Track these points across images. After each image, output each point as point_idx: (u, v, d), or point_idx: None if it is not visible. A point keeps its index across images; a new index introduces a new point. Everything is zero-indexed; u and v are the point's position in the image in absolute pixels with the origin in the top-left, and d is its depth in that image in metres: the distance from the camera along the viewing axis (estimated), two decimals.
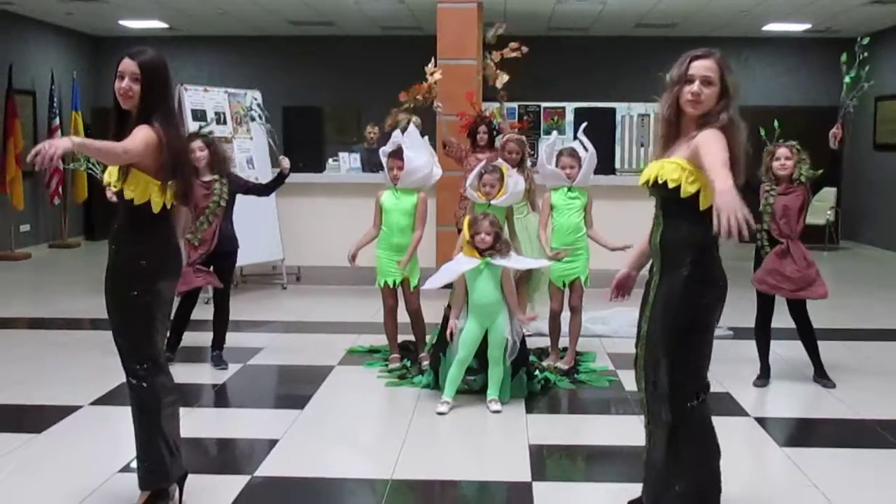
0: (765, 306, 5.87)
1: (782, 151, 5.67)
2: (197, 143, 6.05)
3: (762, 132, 5.83)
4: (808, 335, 5.88)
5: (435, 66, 8.44)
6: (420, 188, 6.11)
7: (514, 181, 6.01)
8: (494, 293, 5.29)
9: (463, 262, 5.30)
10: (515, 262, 5.41)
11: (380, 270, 6.13)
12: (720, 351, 6.33)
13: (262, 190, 6.59)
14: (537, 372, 5.82)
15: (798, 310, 5.83)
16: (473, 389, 5.49)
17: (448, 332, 5.41)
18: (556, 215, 6.13)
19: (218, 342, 6.30)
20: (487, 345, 5.36)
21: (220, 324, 6.29)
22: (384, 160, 6.15)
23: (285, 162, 6.32)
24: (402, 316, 6.27)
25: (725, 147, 3.12)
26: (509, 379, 5.46)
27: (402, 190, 6.05)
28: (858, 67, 5.65)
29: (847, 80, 5.69)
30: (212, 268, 6.12)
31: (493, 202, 5.94)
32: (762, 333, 5.93)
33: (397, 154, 6.05)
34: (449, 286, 5.57)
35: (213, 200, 6.02)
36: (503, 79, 8.39)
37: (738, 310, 6.95)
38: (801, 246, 5.69)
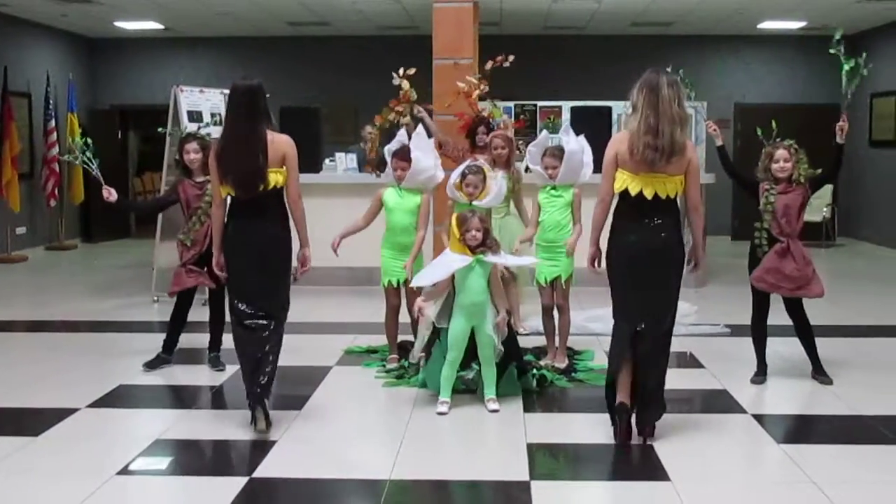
0: (761, 304, 5.87)
1: (781, 153, 5.63)
2: (192, 146, 6.10)
3: (759, 132, 5.81)
4: (805, 333, 5.88)
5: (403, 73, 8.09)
6: (423, 189, 6.13)
7: (499, 185, 6.03)
8: (484, 291, 5.27)
9: (455, 260, 5.27)
10: (506, 259, 5.40)
11: (384, 270, 6.14)
12: (717, 348, 6.35)
13: None
14: (533, 370, 5.81)
15: (795, 308, 5.83)
16: (471, 389, 5.48)
17: (417, 308, 5.40)
18: (542, 213, 6.17)
19: (214, 343, 6.31)
20: (476, 345, 5.35)
21: (216, 325, 6.29)
22: (388, 159, 6.17)
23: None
24: (401, 316, 6.27)
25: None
26: (496, 373, 5.44)
27: (406, 189, 6.07)
28: (855, 56, 5.65)
29: (846, 69, 5.66)
30: (205, 269, 6.11)
31: (475, 203, 5.93)
32: (759, 331, 5.93)
33: (402, 154, 6.06)
34: None
35: (206, 201, 6.01)
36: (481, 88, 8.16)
37: (735, 307, 6.99)
38: (800, 245, 5.69)
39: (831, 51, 5.61)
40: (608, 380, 4.77)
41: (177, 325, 6.27)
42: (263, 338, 4.91)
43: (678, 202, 4.68)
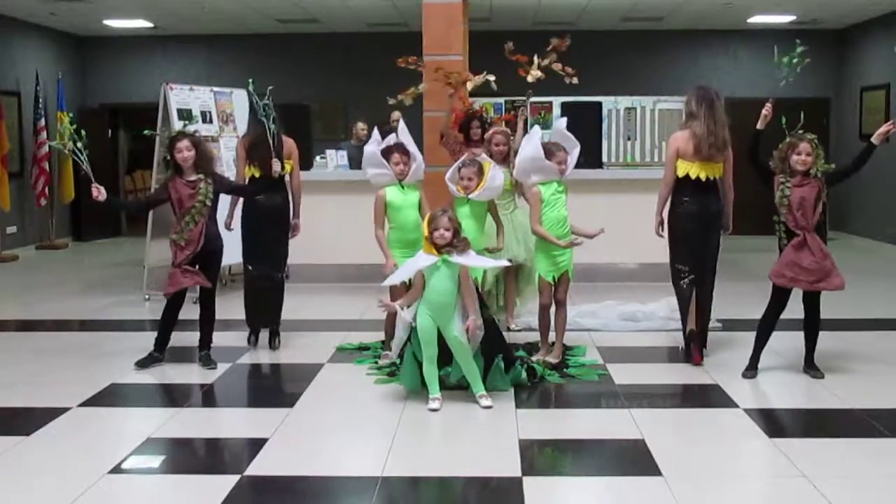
0: (780, 301, 5.83)
1: (805, 146, 5.61)
2: (184, 143, 6.02)
3: (783, 121, 5.76)
4: (814, 326, 5.89)
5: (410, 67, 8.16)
6: (417, 183, 6.15)
7: (493, 175, 6.00)
8: (450, 292, 5.22)
9: (421, 259, 5.25)
10: (473, 260, 5.30)
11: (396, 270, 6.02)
12: (709, 343, 6.36)
13: (246, 191, 6.52)
14: (521, 363, 5.78)
15: (813, 301, 5.82)
16: (463, 386, 5.46)
17: (380, 303, 5.38)
18: (546, 209, 6.12)
19: (205, 342, 6.30)
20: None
21: (207, 323, 6.28)
22: (376, 156, 6.07)
23: (276, 166, 6.31)
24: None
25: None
26: (481, 368, 5.41)
27: (407, 185, 6.05)
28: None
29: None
30: (197, 267, 6.09)
31: (471, 196, 5.93)
32: (767, 326, 5.91)
33: (401, 148, 6.04)
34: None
35: (199, 200, 5.97)
36: (535, 74, 8.11)
37: (727, 302, 7.00)
38: (817, 237, 5.67)
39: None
40: (683, 322, 6.24)
41: (168, 324, 6.24)
42: (273, 282, 6.64)
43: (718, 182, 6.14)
